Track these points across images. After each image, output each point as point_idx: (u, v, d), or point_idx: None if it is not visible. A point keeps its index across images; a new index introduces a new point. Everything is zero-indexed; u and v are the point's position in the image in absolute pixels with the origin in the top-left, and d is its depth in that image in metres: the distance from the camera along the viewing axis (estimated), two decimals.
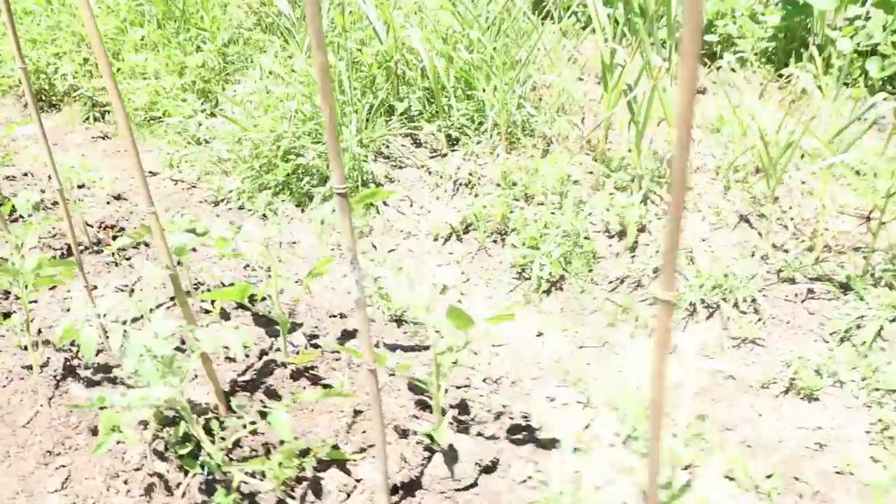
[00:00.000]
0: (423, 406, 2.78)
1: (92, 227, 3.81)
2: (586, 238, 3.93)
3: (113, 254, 3.56)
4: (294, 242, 4.23)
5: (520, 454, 2.63)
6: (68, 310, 3.29)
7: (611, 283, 3.83)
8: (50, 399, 2.85)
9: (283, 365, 2.84)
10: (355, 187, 4.41)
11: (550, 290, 3.85)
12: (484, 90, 4.60)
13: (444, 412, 2.64)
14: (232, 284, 3.27)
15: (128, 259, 3.61)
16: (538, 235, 3.93)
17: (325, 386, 2.83)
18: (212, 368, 2.57)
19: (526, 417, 2.87)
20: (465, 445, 2.59)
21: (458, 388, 2.97)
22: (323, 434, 2.64)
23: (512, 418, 2.84)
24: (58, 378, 2.93)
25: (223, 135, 4.89)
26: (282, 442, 2.39)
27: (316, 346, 3.03)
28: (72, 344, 3.03)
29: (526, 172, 4.25)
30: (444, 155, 4.60)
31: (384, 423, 2.15)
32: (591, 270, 3.88)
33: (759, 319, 3.56)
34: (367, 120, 4.66)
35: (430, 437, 2.55)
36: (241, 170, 4.65)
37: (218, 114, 5.09)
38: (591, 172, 4.28)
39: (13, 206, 3.41)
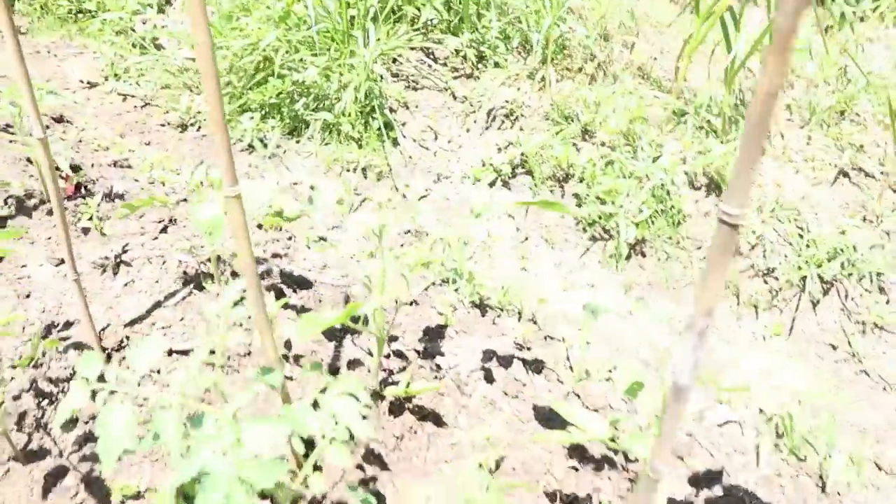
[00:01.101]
0: (574, 450, 1.98)
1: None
2: (667, 192, 3.16)
3: (91, 217, 2.50)
4: (295, 183, 3.25)
5: None
6: (28, 296, 2.25)
7: (702, 248, 3.09)
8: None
9: (378, 395, 1.96)
10: (367, 111, 3.43)
11: (630, 255, 3.08)
12: None
13: None
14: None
15: (103, 219, 2.56)
16: (613, 186, 3.12)
17: (437, 421, 1.97)
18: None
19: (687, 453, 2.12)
20: None
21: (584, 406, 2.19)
22: None
23: (680, 457, 2.08)
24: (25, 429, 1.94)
25: (184, 38, 3.77)
26: None
27: (400, 355, 2.15)
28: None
29: (583, 104, 3.40)
30: (473, 77, 3.68)
31: None
32: (676, 231, 3.12)
33: (888, 301, 2.93)
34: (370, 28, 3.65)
35: None
36: None
37: (172, 12, 3.95)
38: (664, 109, 3.47)
39: None
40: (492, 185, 3.30)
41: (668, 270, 3.01)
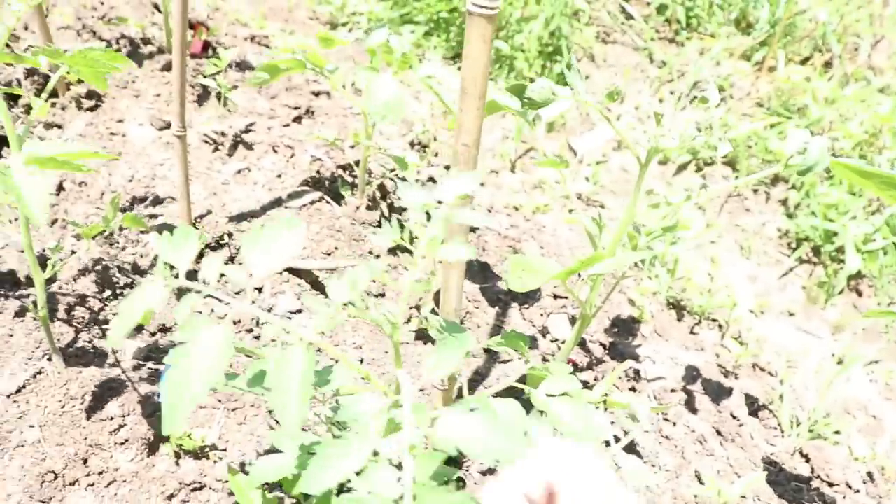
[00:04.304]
0: None
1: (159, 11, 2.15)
2: None
3: (216, 75, 1.92)
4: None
5: None
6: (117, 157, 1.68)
7: None
8: None
9: None
10: (549, 52, 2.80)
11: (843, 290, 2.37)
12: None
13: None
14: None
15: (230, 88, 1.99)
16: (838, 201, 2.42)
17: (631, 450, 1.33)
18: None
19: None
20: None
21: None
22: None
23: None
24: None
25: None
26: None
27: (583, 346, 1.51)
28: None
29: (812, 98, 2.69)
30: (676, 42, 3.00)
31: None
32: None
33: None
34: None
35: None
36: None
37: None
38: None
39: None
40: (683, 167, 2.62)
41: (885, 319, 2.29)
